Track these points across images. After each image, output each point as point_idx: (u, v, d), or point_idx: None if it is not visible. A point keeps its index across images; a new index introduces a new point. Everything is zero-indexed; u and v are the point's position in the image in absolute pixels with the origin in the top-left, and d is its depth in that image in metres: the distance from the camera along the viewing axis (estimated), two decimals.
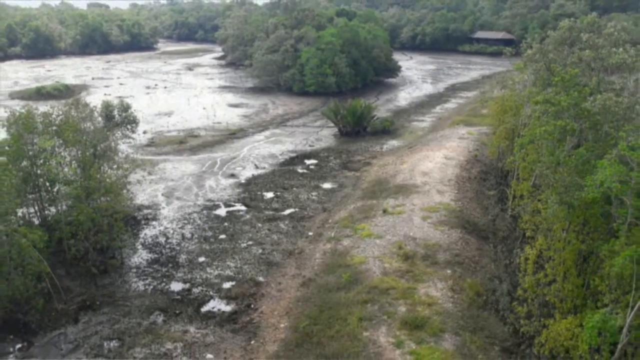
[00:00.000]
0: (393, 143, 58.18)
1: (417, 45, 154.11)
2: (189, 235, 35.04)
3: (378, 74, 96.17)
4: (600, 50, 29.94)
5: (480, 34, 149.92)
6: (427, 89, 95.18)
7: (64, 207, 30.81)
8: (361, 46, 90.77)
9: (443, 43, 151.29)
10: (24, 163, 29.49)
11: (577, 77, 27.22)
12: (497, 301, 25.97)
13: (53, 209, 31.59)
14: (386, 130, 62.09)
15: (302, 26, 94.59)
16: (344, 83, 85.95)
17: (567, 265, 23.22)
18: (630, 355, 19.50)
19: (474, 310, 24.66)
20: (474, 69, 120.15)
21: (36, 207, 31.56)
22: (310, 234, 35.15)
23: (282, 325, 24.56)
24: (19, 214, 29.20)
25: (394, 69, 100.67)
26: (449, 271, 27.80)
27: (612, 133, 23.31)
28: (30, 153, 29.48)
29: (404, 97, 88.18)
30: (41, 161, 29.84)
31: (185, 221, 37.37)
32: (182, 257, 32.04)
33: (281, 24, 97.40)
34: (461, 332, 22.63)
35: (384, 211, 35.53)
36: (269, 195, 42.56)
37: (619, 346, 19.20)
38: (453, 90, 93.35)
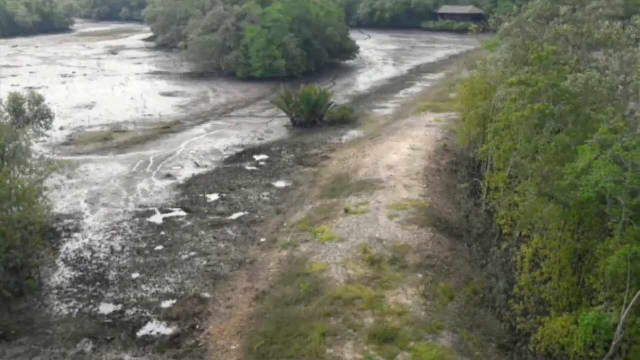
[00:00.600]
0: (353, 134, 58.51)
1: (375, 23, 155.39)
2: (119, 248, 34.18)
3: (333, 56, 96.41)
4: (581, 26, 30.90)
5: (445, 9, 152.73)
6: (389, 71, 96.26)
7: None
8: (313, 24, 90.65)
9: (405, 20, 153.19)
10: None
11: (556, 54, 27.98)
12: (494, 299, 27.52)
13: None
14: (345, 119, 62.37)
15: (244, 1, 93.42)
16: (296, 66, 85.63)
17: (563, 263, 24.67)
18: (624, 352, 21.14)
19: (470, 308, 26.16)
20: (440, 48, 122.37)
21: None
22: (263, 240, 34.89)
23: (233, 347, 24.27)
24: None
25: (351, 50, 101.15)
26: (420, 275, 28.15)
27: (593, 116, 24.08)
28: None
29: (363, 81, 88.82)
30: None
31: (115, 232, 36.43)
32: (113, 274, 31.18)
33: None
34: (458, 329, 23.94)
35: (346, 211, 35.61)
36: (214, 197, 41.97)
37: (614, 343, 20.70)
38: (418, 72, 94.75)
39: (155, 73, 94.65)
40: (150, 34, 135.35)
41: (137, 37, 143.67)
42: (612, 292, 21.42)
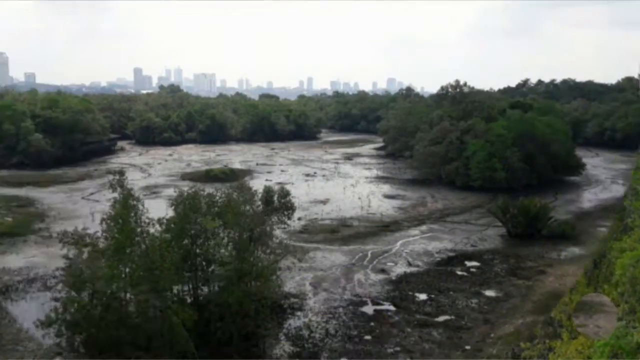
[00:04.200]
0: (574, 250, 53.51)
1: (605, 142, 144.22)
2: (333, 332, 35.12)
3: (557, 171, 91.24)
4: None
5: None
6: (618, 190, 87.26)
7: (216, 287, 32.97)
8: (537, 140, 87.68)
9: (637, 139, 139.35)
10: (185, 241, 32.16)
11: None
12: None
13: (206, 289, 33.73)
14: (565, 234, 57.59)
15: (469, 118, 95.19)
16: (516, 179, 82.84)
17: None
18: None
19: None
20: None
21: (190, 286, 33.68)
22: (468, 347, 32.93)
23: None
24: (174, 290, 31.80)
25: (577, 167, 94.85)
26: None
27: None
28: (192, 232, 32.17)
29: (588, 198, 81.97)
30: (201, 241, 32.42)
31: (331, 315, 37.69)
32: (324, 356, 31.99)
33: (447, 116, 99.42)
34: None
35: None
36: (422, 296, 41.30)
37: None
38: None
39: (382, 177, 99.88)
40: (381, 144, 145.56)
41: (370, 146, 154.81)
42: (632, 302, 16.67)
